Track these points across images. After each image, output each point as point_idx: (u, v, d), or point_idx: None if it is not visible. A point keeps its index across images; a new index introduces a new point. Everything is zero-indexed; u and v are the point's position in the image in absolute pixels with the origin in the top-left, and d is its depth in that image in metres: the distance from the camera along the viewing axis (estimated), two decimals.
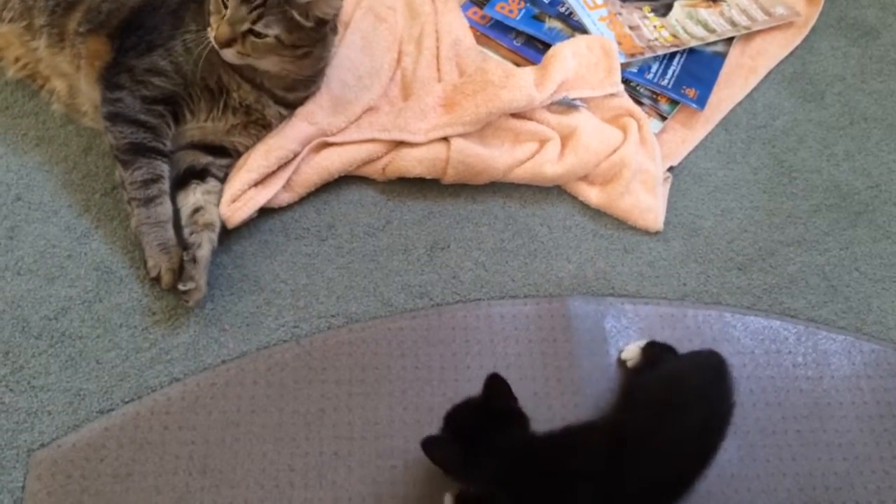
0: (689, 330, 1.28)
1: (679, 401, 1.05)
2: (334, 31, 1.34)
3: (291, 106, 1.36)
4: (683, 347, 1.25)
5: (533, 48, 1.54)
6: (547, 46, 1.51)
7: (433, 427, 1.14)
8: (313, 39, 1.26)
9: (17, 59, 1.39)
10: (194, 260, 1.21)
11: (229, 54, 1.21)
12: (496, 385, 1.02)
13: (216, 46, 1.20)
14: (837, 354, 1.28)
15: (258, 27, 1.18)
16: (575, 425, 1.05)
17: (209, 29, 1.21)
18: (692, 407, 1.04)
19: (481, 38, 1.56)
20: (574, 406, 1.19)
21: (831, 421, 1.22)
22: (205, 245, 1.23)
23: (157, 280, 1.23)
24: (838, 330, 1.30)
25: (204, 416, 1.15)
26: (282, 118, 1.35)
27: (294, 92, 1.34)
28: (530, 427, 1.03)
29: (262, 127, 1.35)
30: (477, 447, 0.98)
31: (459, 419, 1.02)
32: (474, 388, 1.19)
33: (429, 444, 0.98)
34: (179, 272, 1.21)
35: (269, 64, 1.25)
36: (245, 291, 1.26)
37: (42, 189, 1.32)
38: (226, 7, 1.18)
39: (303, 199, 1.35)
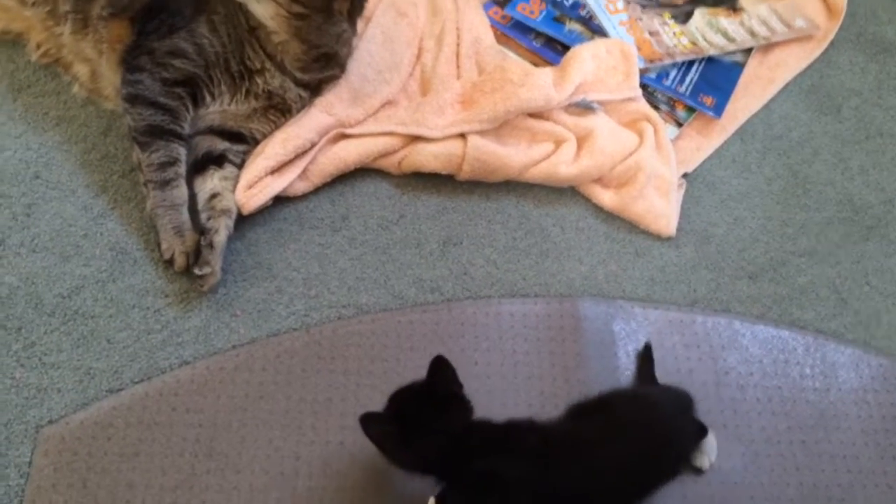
0: (698, 336, 1.28)
1: (632, 429, 1.03)
2: (352, 25, 1.35)
3: (309, 87, 1.36)
4: (692, 353, 1.26)
5: (552, 49, 1.55)
6: (566, 48, 1.52)
7: None
8: (314, 3, 1.26)
9: (38, 45, 1.40)
10: (211, 245, 1.21)
11: None
12: (440, 368, 1.01)
13: None
14: (845, 367, 1.28)
15: None
16: (519, 421, 1.03)
17: None
18: (642, 439, 1.03)
19: (501, 38, 1.56)
20: None
21: (837, 433, 1.22)
22: (221, 231, 1.24)
23: (170, 262, 1.24)
24: (847, 343, 1.31)
25: (212, 399, 1.15)
26: (302, 102, 1.36)
27: (310, 72, 1.35)
28: (471, 414, 1.01)
29: (281, 113, 1.36)
30: (413, 429, 0.97)
31: (401, 400, 1.01)
32: (482, 384, 1.21)
33: (366, 420, 0.97)
34: (195, 255, 1.22)
35: (262, 8, 1.26)
36: (257, 278, 1.27)
37: (61, 168, 1.32)
38: None
39: (318, 190, 1.36)
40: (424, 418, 0.98)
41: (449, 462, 0.97)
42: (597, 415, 1.07)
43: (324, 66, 1.36)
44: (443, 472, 0.99)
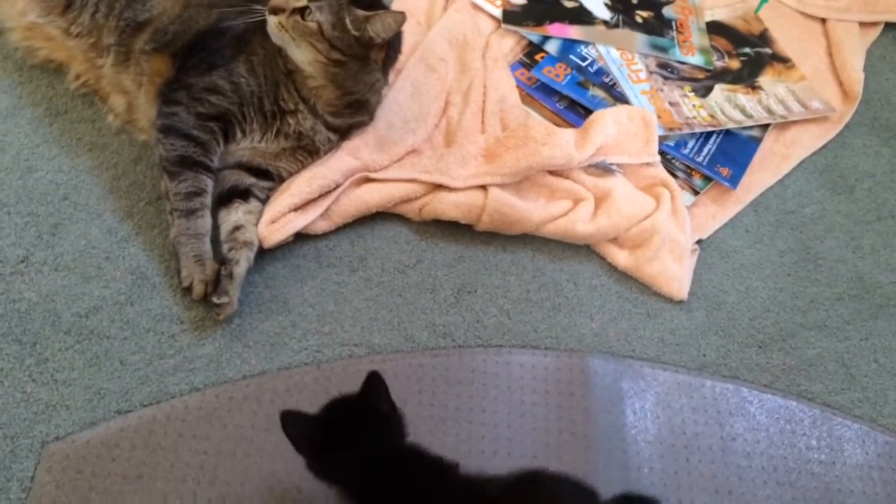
0: (706, 400, 1.28)
1: None
2: (384, 74, 1.40)
3: (339, 131, 1.40)
4: (699, 417, 1.26)
5: (575, 112, 1.59)
6: (588, 112, 1.56)
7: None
8: (352, 51, 1.29)
9: (78, 76, 1.46)
10: (231, 276, 1.23)
11: (272, 22, 1.26)
12: (373, 383, 0.99)
13: (268, 10, 1.26)
14: (851, 442, 1.28)
15: (312, 6, 1.24)
16: (446, 463, 1.00)
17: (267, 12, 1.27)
18: None
19: (526, 98, 1.61)
20: (584, 461, 1.19)
21: None
22: (242, 262, 1.26)
23: (188, 290, 1.26)
24: (854, 418, 1.30)
25: (219, 428, 1.15)
26: (330, 145, 1.40)
27: (341, 117, 1.39)
28: (397, 437, 1.00)
29: (309, 154, 1.39)
30: (331, 439, 0.96)
31: (331, 408, 1.00)
32: (488, 431, 1.21)
33: (287, 418, 0.97)
34: (214, 285, 1.24)
35: (301, 53, 1.29)
36: (272, 311, 1.28)
37: (89, 192, 1.36)
38: None
39: (339, 230, 1.39)
40: (345, 431, 0.97)
41: (356, 480, 0.96)
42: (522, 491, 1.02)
43: (355, 111, 1.40)
44: (349, 490, 0.97)
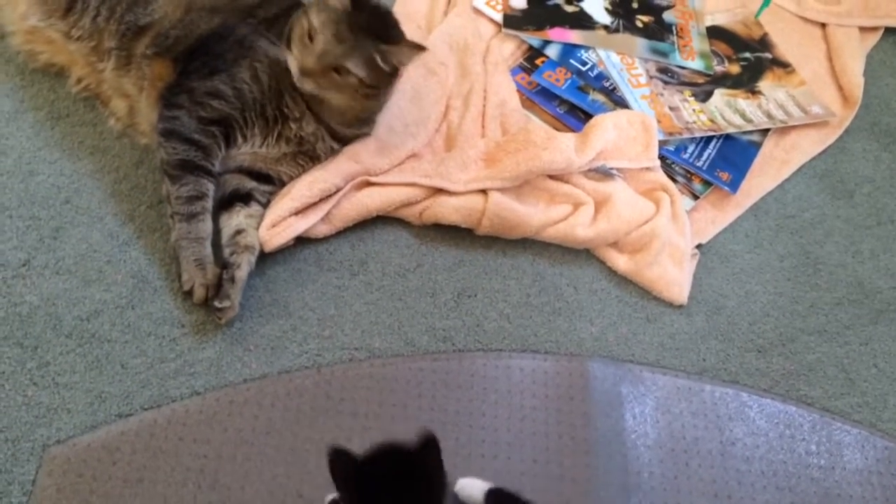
0: (706, 405, 1.29)
1: None
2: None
3: (343, 141, 1.41)
4: (699, 422, 1.26)
5: (575, 117, 1.59)
6: (588, 116, 1.57)
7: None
8: (385, 83, 1.33)
9: (80, 80, 1.46)
10: (233, 280, 1.24)
11: (307, 84, 1.26)
12: (430, 444, 0.96)
13: (295, 73, 1.25)
14: (851, 447, 1.28)
15: (349, 66, 1.24)
16: None
17: (288, 54, 1.26)
18: None
19: (526, 102, 1.61)
20: (585, 466, 1.20)
21: None
22: (244, 266, 1.26)
23: (189, 294, 1.26)
24: (853, 423, 1.31)
25: (220, 431, 1.16)
26: (331, 153, 1.40)
27: (351, 128, 1.40)
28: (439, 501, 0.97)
29: (310, 159, 1.39)
30: (375, 486, 0.93)
31: (380, 454, 0.97)
32: (488, 435, 1.21)
33: (335, 454, 0.94)
34: (215, 289, 1.24)
35: (337, 98, 1.30)
36: (273, 315, 1.28)
37: (91, 195, 1.36)
38: (310, 39, 1.23)
39: (339, 234, 1.39)
40: (390, 484, 0.94)
41: None
42: None
43: (363, 124, 1.42)
44: None
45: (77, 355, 1.19)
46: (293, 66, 1.25)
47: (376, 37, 1.26)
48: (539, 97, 1.62)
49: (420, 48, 1.28)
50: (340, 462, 0.94)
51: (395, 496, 0.93)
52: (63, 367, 1.18)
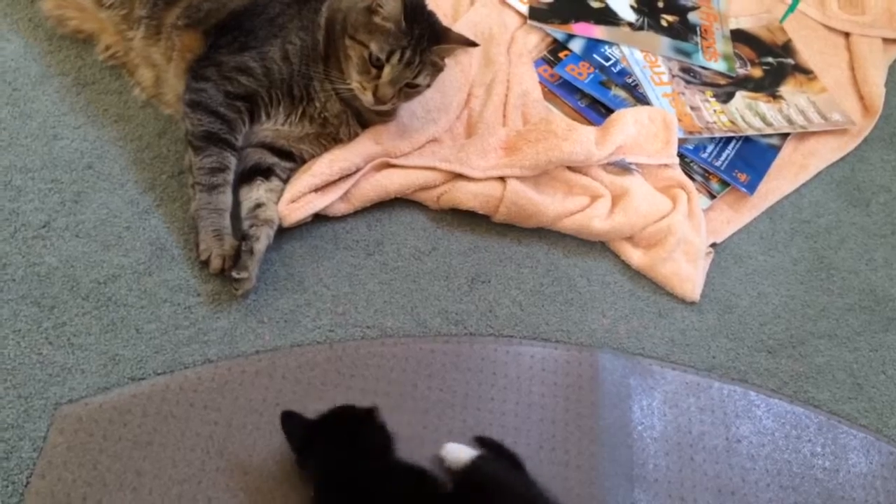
0: (713, 401, 1.29)
1: None
2: None
3: (367, 126, 1.42)
4: (706, 417, 1.27)
5: (595, 111, 1.60)
6: (609, 111, 1.57)
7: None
8: (434, 79, 1.37)
9: (108, 47, 1.47)
10: (251, 252, 1.25)
11: (381, 106, 1.32)
12: (373, 413, 1.09)
13: (369, 101, 1.30)
14: (856, 451, 1.28)
15: (418, 80, 1.31)
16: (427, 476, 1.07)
17: (355, 86, 1.31)
18: None
19: (548, 94, 1.62)
20: (590, 454, 1.20)
21: None
22: (262, 239, 1.27)
23: (206, 264, 1.27)
24: (859, 427, 1.31)
25: (230, 400, 1.16)
26: (353, 136, 1.41)
27: (381, 116, 1.41)
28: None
29: (332, 140, 1.40)
30: (323, 442, 1.07)
31: (327, 415, 1.09)
32: (496, 419, 1.22)
33: (287, 418, 1.08)
34: (232, 260, 1.25)
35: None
36: (288, 290, 1.29)
37: (113, 162, 1.37)
38: (375, 67, 1.28)
39: (357, 213, 1.40)
40: (336, 440, 1.07)
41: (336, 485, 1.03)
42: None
43: (391, 111, 1.43)
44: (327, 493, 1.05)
45: (93, 317, 1.20)
46: (365, 97, 1.31)
47: (433, 42, 1.30)
48: (561, 90, 1.62)
49: (471, 43, 1.34)
50: (290, 424, 1.08)
51: (340, 449, 1.05)
52: (79, 328, 1.19)
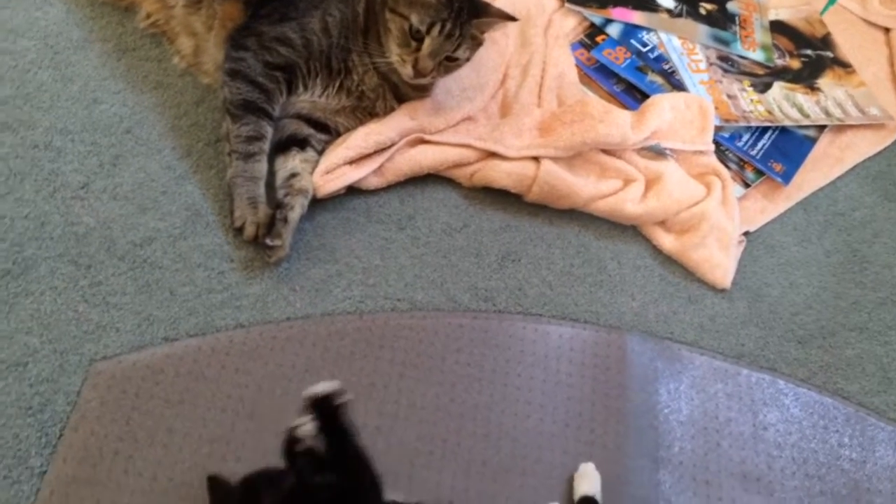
0: (741, 388, 1.28)
1: None
2: None
3: (403, 101, 1.42)
4: (733, 404, 1.26)
5: (631, 96, 1.59)
6: (645, 97, 1.57)
7: (476, 422, 1.17)
8: (473, 53, 1.36)
9: (149, 15, 1.48)
10: (285, 220, 1.25)
11: (420, 80, 1.32)
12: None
13: (408, 73, 1.30)
14: (884, 443, 1.27)
15: (457, 54, 1.30)
16: None
17: (395, 59, 1.31)
18: None
19: (584, 78, 1.62)
20: (616, 434, 1.20)
21: None
22: (297, 208, 1.28)
23: (239, 231, 1.28)
24: (888, 420, 1.30)
25: (261, 364, 1.18)
26: (388, 111, 1.41)
27: (418, 91, 1.41)
28: None
29: (368, 113, 1.41)
30: None
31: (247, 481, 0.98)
32: (521, 395, 1.22)
33: (213, 483, 1.01)
34: (266, 228, 1.26)
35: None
36: (320, 260, 1.30)
37: (151, 128, 1.38)
38: (415, 40, 1.28)
39: (390, 187, 1.40)
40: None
41: None
42: None
43: (428, 86, 1.44)
44: None
45: (128, 278, 1.22)
46: (405, 70, 1.31)
47: (473, 16, 1.30)
48: (597, 74, 1.62)
49: (511, 18, 1.33)
50: (215, 489, 1.01)
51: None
52: (114, 287, 1.21)
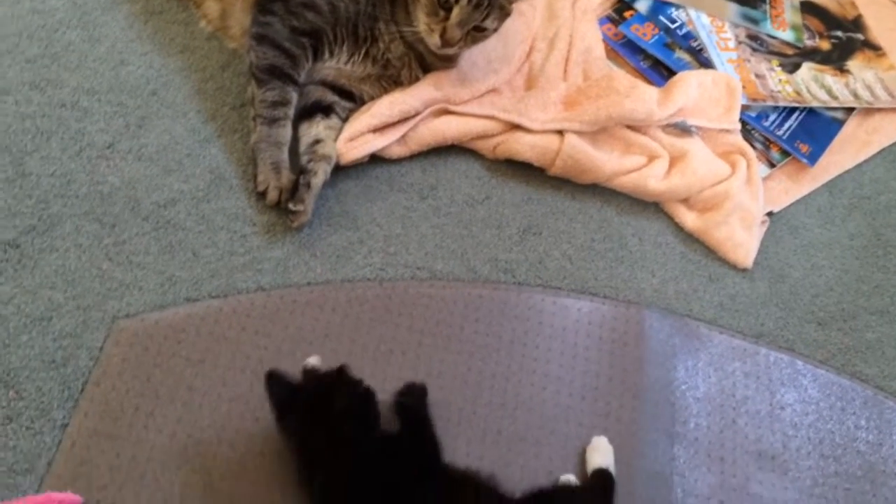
0: (759, 367, 1.28)
1: None
2: None
3: (428, 70, 1.41)
4: (750, 382, 1.26)
5: (658, 73, 1.58)
6: (672, 74, 1.55)
7: (493, 391, 1.18)
8: (501, 23, 1.35)
9: None
10: (308, 185, 1.26)
11: (448, 50, 1.31)
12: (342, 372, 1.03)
13: (435, 43, 1.29)
14: None
15: (485, 24, 1.29)
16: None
17: (423, 28, 1.30)
18: None
19: (611, 53, 1.60)
20: (632, 408, 1.20)
21: (884, 489, 1.20)
22: (320, 174, 1.28)
23: (262, 195, 1.29)
24: None
25: (280, 328, 1.18)
26: (413, 80, 1.41)
27: (444, 61, 1.41)
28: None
29: (393, 82, 1.41)
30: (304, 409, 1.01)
31: (310, 379, 1.04)
32: (539, 367, 1.22)
33: (272, 378, 1.02)
34: (289, 193, 1.27)
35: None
36: (341, 226, 1.30)
37: (177, 91, 1.39)
38: (444, 9, 1.26)
39: (412, 157, 1.40)
40: (317, 409, 1.00)
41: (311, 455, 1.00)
42: None
43: (454, 56, 1.43)
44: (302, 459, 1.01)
45: (152, 238, 1.23)
46: (432, 39, 1.30)
47: None
48: (624, 49, 1.60)
49: None
50: (274, 384, 1.02)
51: (324, 411, 1.00)
52: (138, 247, 1.22)
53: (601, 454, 1.14)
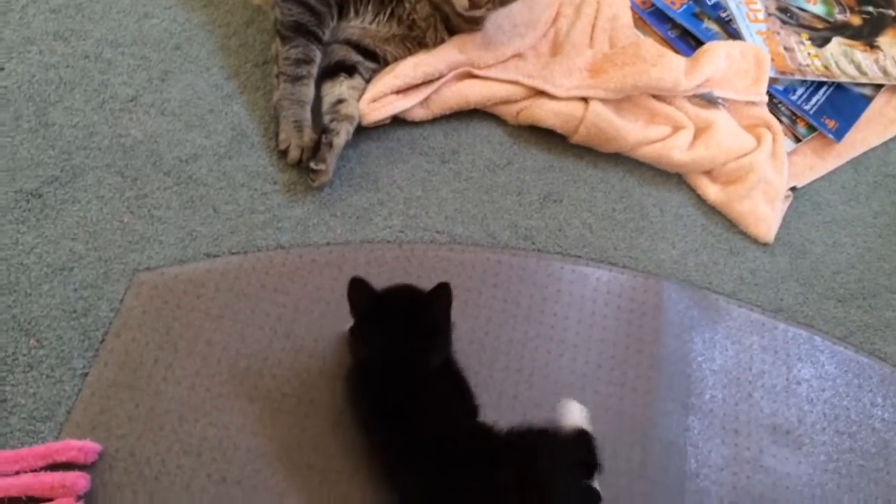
0: (777, 342, 1.28)
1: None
2: None
3: (453, 33, 1.40)
4: (767, 357, 1.26)
5: (685, 42, 1.56)
6: (699, 44, 1.53)
7: (509, 356, 1.18)
8: None
9: None
10: (331, 145, 1.25)
11: (475, 12, 1.30)
12: (442, 292, 1.03)
13: (463, 5, 1.29)
14: None
15: None
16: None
17: None
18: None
19: (638, 22, 1.58)
20: (647, 378, 1.20)
21: None
22: (342, 134, 1.27)
23: (284, 154, 1.28)
24: None
25: (299, 286, 1.19)
26: (438, 42, 1.39)
27: (470, 24, 1.39)
28: (441, 350, 1.06)
29: (418, 44, 1.39)
30: (379, 321, 1.03)
31: (394, 292, 1.06)
32: (556, 334, 1.22)
33: (356, 284, 1.02)
34: (311, 152, 1.26)
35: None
36: (362, 188, 1.30)
37: (201, 46, 1.38)
38: None
39: (435, 120, 1.39)
40: (393, 322, 1.03)
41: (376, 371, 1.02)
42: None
43: (480, 20, 1.41)
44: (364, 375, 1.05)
45: (173, 192, 1.23)
46: (459, 0, 1.28)
47: None
48: (652, 18, 1.58)
49: None
50: (358, 291, 1.03)
51: (402, 325, 1.03)
52: (159, 201, 1.22)
53: (575, 416, 1.10)
